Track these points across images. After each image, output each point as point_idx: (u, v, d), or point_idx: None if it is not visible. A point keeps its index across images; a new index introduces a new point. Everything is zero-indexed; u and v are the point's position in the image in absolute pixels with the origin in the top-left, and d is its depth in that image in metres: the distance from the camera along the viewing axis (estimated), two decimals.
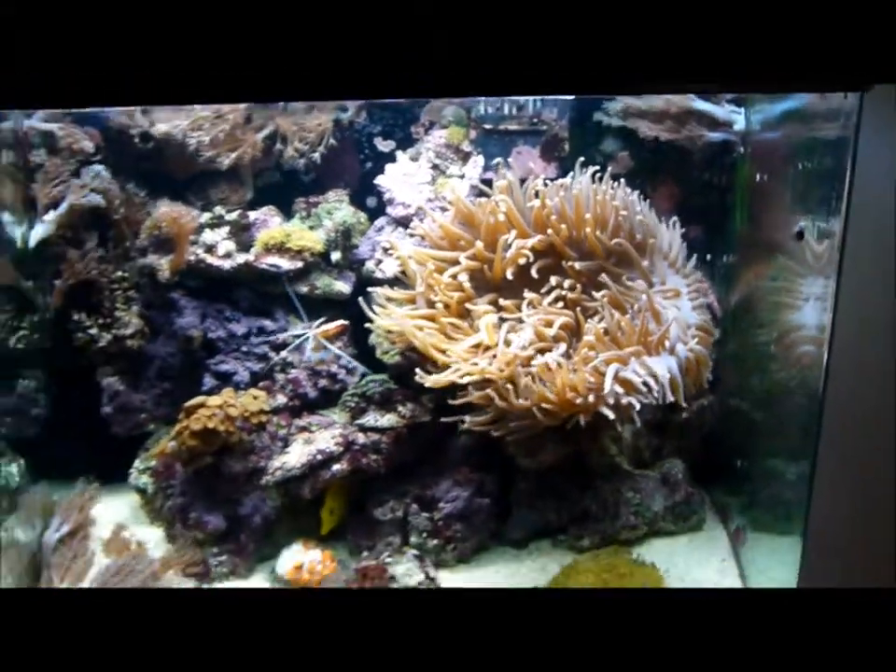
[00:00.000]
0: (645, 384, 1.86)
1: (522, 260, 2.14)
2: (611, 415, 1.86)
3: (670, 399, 1.89)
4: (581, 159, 2.17)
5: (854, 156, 1.44)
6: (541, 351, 2.05)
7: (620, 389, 1.85)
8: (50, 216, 2.19)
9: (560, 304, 2.13)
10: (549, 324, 2.07)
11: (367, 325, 2.20)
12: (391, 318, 2.10)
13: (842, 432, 1.59)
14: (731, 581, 2.09)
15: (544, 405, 1.91)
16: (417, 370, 2.04)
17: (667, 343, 1.94)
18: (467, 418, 2.04)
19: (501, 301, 2.16)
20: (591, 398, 1.85)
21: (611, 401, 1.85)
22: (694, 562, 2.16)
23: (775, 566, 1.87)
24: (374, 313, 2.14)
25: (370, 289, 2.20)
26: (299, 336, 2.30)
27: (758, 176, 2.09)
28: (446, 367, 2.02)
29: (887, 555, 1.62)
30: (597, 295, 2.07)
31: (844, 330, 1.53)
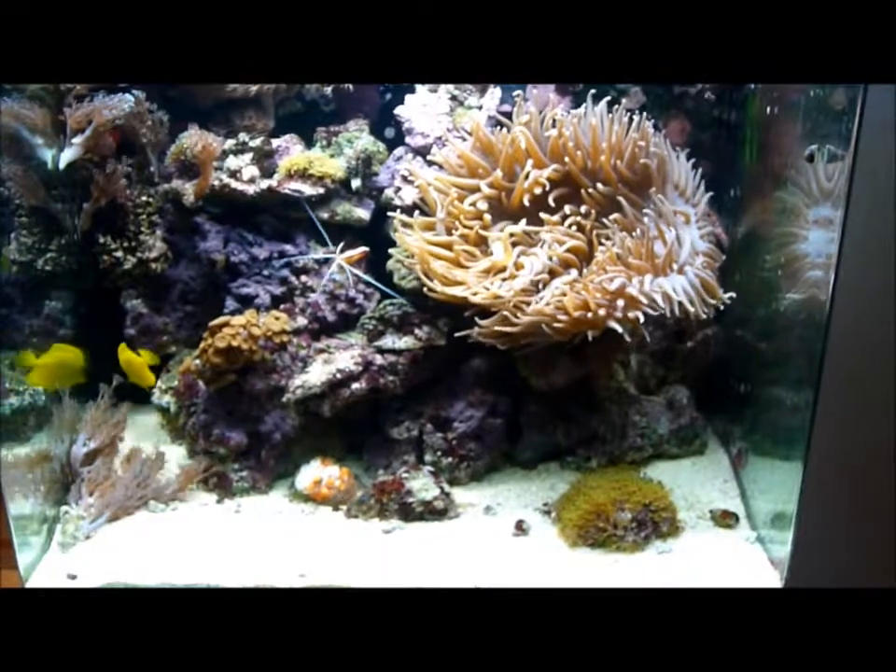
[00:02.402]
0: (650, 298, 1.92)
1: (538, 190, 2.20)
2: (618, 328, 1.93)
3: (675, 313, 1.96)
4: (593, 91, 2.22)
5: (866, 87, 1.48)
6: (553, 273, 2.12)
7: (622, 303, 1.92)
8: (78, 139, 2.22)
9: (575, 230, 2.19)
10: (560, 243, 2.14)
11: (390, 250, 2.27)
12: (414, 240, 2.15)
13: (846, 359, 1.64)
14: (732, 501, 2.17)
15: (554, 324, 1.98)
16: (426, 281, 2.11)
17: (675, 265, 2.01)
18: (475, 330, 2.08)
19: (517, 228, 2.21)
20: (601, 311, 1.92)
21: (619, 315, 1.92)
22: (698, 482, 2.25)
23: (775, 487, 1.94)
24: (398, 237, 2.20)
25: (389, 214, 2.26)
26: (322, 261, 2.35)
27: (768, 110, 2.14)
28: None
29: (888, 479, 1.70)
30: (609, 219, 2.12)
31: (850, 261, 1.58)
